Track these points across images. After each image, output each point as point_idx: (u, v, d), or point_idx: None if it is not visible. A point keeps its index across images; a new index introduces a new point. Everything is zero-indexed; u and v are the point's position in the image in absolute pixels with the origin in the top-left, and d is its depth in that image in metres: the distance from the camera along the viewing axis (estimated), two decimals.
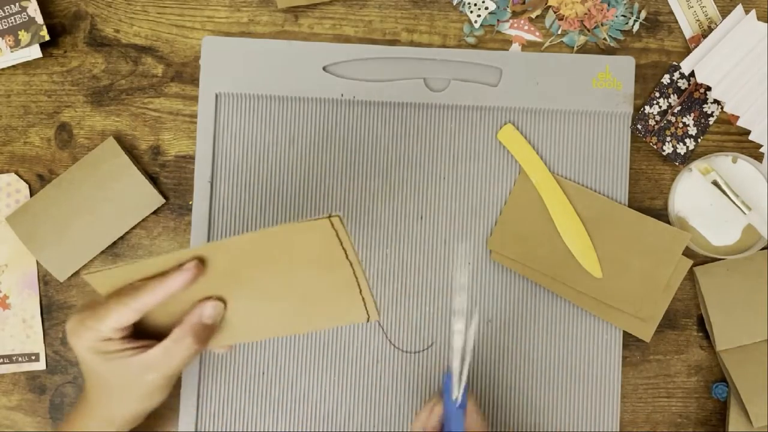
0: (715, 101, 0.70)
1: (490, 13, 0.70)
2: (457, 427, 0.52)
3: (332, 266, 0.48)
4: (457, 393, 0.51)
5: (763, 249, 0.69)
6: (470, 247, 0.68)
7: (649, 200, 0.70)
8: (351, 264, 0.48)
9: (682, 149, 0.70)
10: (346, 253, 0.48)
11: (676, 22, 0.71)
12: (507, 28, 0.71)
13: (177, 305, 0.49)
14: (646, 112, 0.70)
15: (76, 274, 0.69)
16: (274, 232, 0.47)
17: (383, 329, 0.66)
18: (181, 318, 0.49)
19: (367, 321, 0.52)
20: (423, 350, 0.66)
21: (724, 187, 0.68)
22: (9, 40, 0.67)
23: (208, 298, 0.50)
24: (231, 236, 0.54)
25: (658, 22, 0.71)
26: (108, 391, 0.50)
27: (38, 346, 0.69)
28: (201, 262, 0.48)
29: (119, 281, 0.48)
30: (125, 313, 0.47)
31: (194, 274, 0.47)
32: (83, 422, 0.52)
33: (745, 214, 0.68)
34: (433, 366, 0.67)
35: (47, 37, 0.67)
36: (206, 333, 0.49)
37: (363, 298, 0.50)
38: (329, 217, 0.46)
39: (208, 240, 0.67)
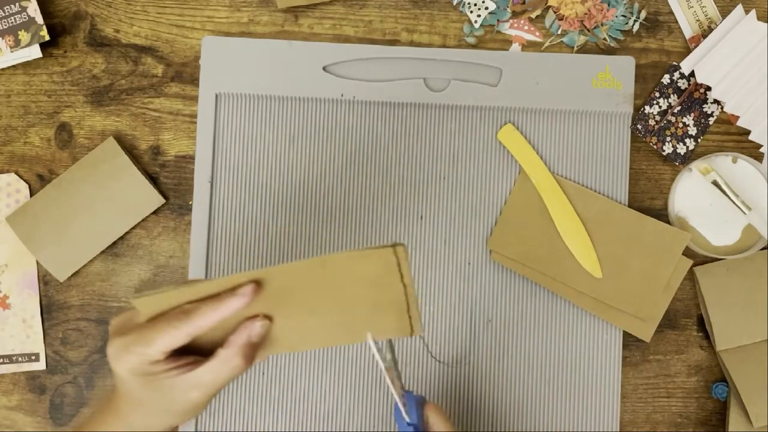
0: (715, 101, 0.70)
1: (490, 13, 0.70)
2: None
3: (386, 287, 0.50)
4: (406, 416, 0.51)
5: (763, 249, 0.69)
6: (470, 247, 0.68)
7: (649, 200, 0.70)
8: (405, 286, 0.50)
9: (682, 149, 0.70)
10: (402, 278, 0.49)
11: (676, 22, 0.71)
12: (507, 28, 0.71)
13: (222, 322, 0.48)
14: (646, 112, 0.70)
15: (76, 274, 0.69)
16: (336, 258, 0.47)
17: (425, 342, 0.66)
18: (226, 334, 0.48)
19: (411, 336, 0.52)
20: (463, 363, 0.67)
21: (724, 187, 0.68)
22: (9, 40, 0.67)
23: (255, 315, 0.48)
24: (290, 261, 0.54)
25: (658, 22, 0.71)
26: (146, 408, 0.49)
27: (38, 346, 0.69)
28: (257, 284, 0.47)
29: (166, 305, 0.47)
30: (177, 337, 0.46)
31: (250, 298, 0.46)
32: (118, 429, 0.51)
33: (745, 214, 0.68)
34: (433, 366, 0.67)
35: (47, 37, 0.67)
36: (253, 351, 0.48)
37: (410, 316, 0.51)
38: (394, 246, 0.47)
39: (208, 240, 0.67)
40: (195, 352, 0.48)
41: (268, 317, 0.49)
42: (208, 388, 0.47)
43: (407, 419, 0.52)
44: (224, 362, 0.47)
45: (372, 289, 0.50)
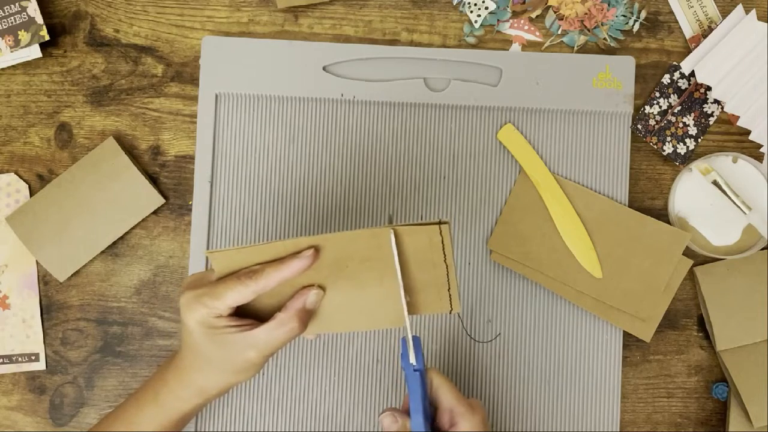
0: (715, 101, 0.70)
1: (490, 13, 0.70)
2: (414, 388, 0.53)
3: (429, 265, 0.52)
4: (411, 358, 0.53)
5: (763, 249, 0.69)
6: (470, 247, 0.68)
7: (649, 200, 0.70)
8: (447, 266, 0.53)
9: (682, 149, 0.70)
10: (445, 257, 0.52)
11: (676, 22, 0.71)
12: (507, 28, 0.71)
13: (278, 290, 0.52)
14: (646, 112, 0.70)
15: (76, 274, 0.69)
16: (385, 231, 0.50)
17: (461, 318, 0.67)
18: (281, 303, 0.53)
19: (450, 312, 0.55)
20: (493, 339, 0.67)
21: (724, 187, 0.68)
22: (9, 40, 0.67)
23: (310, 285, 0.53)
24: (343, 230, 0.57)
25: (658, 22, 0.71)
26: (208, 362, 0.53)
27: (38, 346, 0.69)
28: (316, 250, 0.51)
29: (237, 263, 0.52)
30: (244, 293, 0.50)
31: (311, 261, 0.51)
32: (175, 388, 0.55)
33: (745, 214, 0.68)
34: (432, 361, 0.67)
35: (47, 37, 0.67)
36: (307, 317, 0.53)
37: (450, 295, 0.54)
38: (439, 223, 0.50)
39: (208, 240, 0.67)
40: (253, 318, 0.53)
41: (322, 288, 0.53)
42: (263, 348, 0.52)
43: (415, 364, 0.53)
44: (281, 324, 0.52)
45: (417, 268, 0.53)
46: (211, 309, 0.51)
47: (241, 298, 0.51)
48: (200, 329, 0.52)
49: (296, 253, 0.51)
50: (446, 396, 0.54)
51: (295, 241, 0.51)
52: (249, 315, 0.53)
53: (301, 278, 0.52)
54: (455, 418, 0.53)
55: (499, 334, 0.67)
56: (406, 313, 0.52)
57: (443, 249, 0.52)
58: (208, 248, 0.67)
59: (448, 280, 0.54)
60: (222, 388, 0.55)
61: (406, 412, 0.54)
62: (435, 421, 0.54)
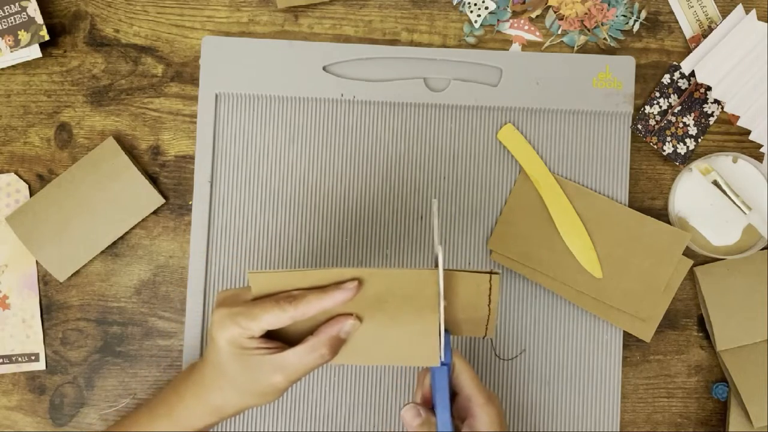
0: (716, 101, 0.70)
1: (490, 13, 0.70)
2: (441, 383, 0.52)
3: (471, 309, 0.52)
4: (442, 355, 0.52)
5: (763, 249, 0.69)
6: (470, 247, 0.68)
7: (649, 200, 0.70)
8: (489, 311, 0.52)
9: (682, 149, 0.70)
10: (490, 302, 0.52)
11: (677, 21, 0.71)
12: (507, 28, 0.71)
13: (317, 315, 0.51)
14: (646, 112, 0.70)
15: (76, 274, 0.69)
16: (433, 274, 0.49)
17: (493, 343, 0.66)
18: (312, 327, 0.51)
19: (484, 337, 0.55)
20: (517, 356, 0.67)
21: (724, 187, 0.68)
22: (9, 40, 0.67)
23: (347, 314, 0.51)
24: (395, 267, 0.56)
25: (659, 21, 0.71)
26: (230, 383, 0.52)
27: (38, 346, 0.69)
28: (360, 282, 0.50)
29: (276, 285, 0.50)
30: (281, 318, 0.49)
31: (354, 294, 0.49)
32: (191, 405, 0.55)
33: (745, 214, 0.68)
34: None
35: (47, 37, 0.67)
36: (339, 346, 0.51)
37: (487, 327, 0.54)
38: (491, 273, 0.50)
39: (208, 240, 0.67)
40: (282, 341, 0.52)
41: (359, 318, 0.51)
42: (291, 373, 0.50)
43: (442, 358, 0.52)
44: (312, 349, 0.50)
45: (458, 307, 0.52)
46: (245, 330, 0.50)
47: (277, 322, 0.49)
48: (229, 348, 0.50)
49: (339, 284, 0.49)
50: (467, 383, 0.53)
51: (338, 271, 0.50)
52: (277, 338, 0.52)
53: (339, 307, 0.51)
54: (474, 408, 0.52)
55: (524, 350, 0.67)
56: (442, 303, 0.50)
57: (489, 296, 0.51)
58: (207, 248, 0.67)
59: (488, 319, 0.53)
60: (239, 410, 0.54)
61: (427, 406, 0.53)
62: (452, 407, 0.53)
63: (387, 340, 0.52)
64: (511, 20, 0.71)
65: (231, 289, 0.54)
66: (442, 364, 0.52)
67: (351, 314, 0.51)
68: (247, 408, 0.54)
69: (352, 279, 0.49)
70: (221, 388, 0.53)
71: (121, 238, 0.69)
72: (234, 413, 0.54)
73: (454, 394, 0.54)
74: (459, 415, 0.53)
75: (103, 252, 0.69)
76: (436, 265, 0.50)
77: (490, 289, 0.51)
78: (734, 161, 0.69)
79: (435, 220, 0.52)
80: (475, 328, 0.54)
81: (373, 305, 0.51)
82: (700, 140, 0.70)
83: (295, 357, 0.50)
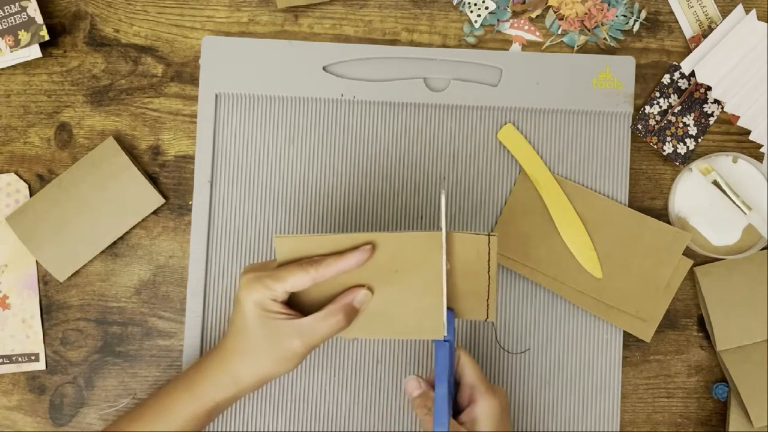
0: (716, 101, 0.70)
1: (490, 12, 0.70)
2: (442, 358, 0.54)
3: (473, 275, 0.55)
4: (444, 330, 0.55)
5: (763, 249, 0.69)
6: None
7: (649, 200, 0.70)
8: (489, 277, 0.55)
9: (682, 149, 0.70)
10: (489, 268, 0.55)
11: (677, 21, 0.71)
12: (507, 28, 0.71)
13: (327, 287, 0.55)
14: (646, 112, 0.70)
15: (76, 274, 0.69)
16: (437, 234, 0.53)
17: (495, 330, 0.67)
18: (327, 299, 0.55)
19: (485, 320, 0.58)
20: (524, 351, 0.67)
21: (724, 187, 0.68)
22: (9, 40, 0.67)
23: (360, 285, 0.55)
24: (398, 231, 0.59)
25: (659, 22, 0.71)
26: (253, 346, 0.55)
27: (38, 346, 0.69)
28: (373, 246, 0.54)
29: (301, 250, 0.54)
30: (304, 279, 0.53)
31: (369, 255, 0.53)
32: (211, 375, 0.57)
33: (745, 214, 0.68)
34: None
35: (47, 37, 0.67)
36: (353, 315, 0.55)
37: (488, 304, 0.57)
38: (489, 234, 0.54)
39: (208, 240, 0.67)
40: (302, 313, 0.55)
41: (371, 290, 0.55)
42: (308, 338, 0.54)
43: (445, 332, 0.55)
44: (328, 315, 0.54)
45: (460, 273, 0.55)
46: (271, 290, 0.53)
47: (300, 283, 0.53)
48: (255, 310, 0.54)
49: (354, 247, 0.54)
50: (470, 373, 0.55)
51: (353, 236, 0.54)
52: (297, 309, 0.55)
53: (352, 278, 0.55)
54: (475, 395, 0.55)
55: (529, 348, 0.67)
56: (444, 283, 0.53)
57: (488, 260, 0.54)
58: (207, 248, 0.67)
59: (488, 291, 0.56)
60: (258, 379, 0.56)
61: (430, 383, 0.56)
62: (456, 396, 0.56)
63: (397, 314, 0.55)
64: (511, 20, 0.71)
65: (258, 262, 0.57)
66: (445, 339, 0.54)
67: (363, 286, 0.55)
68: (265, 378, 0.56)
69: (366, 242, 0.54)
70: (243, 354, 0.55)
71: (121, 238, 0.69)
72: (253, 384, 0.56)
73: (457, 384, 0.56)
74: (462, 403, 0.56)
75: (103, 252, 0.69)
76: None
77: (489, 252, 0.54)
78: (734, 161, 0.69)
79: (443, 208, 0.54)
80: (477, 305, 0.56)
81: (384, 276, 0.55)
82: (700, 140, 0.70)
83: (313, 322, 0.54)
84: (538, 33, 0.71)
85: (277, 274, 0.54)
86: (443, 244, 0.53)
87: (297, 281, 0.53)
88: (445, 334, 0.55)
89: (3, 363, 0.68)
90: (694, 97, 0.70)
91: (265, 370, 0.55)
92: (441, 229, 0.53)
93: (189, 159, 0.70)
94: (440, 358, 0.54)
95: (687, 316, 0.70)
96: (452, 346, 0.55)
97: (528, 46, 0.71)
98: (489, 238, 0.54)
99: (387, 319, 0.56)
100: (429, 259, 0.54)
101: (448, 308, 0.55)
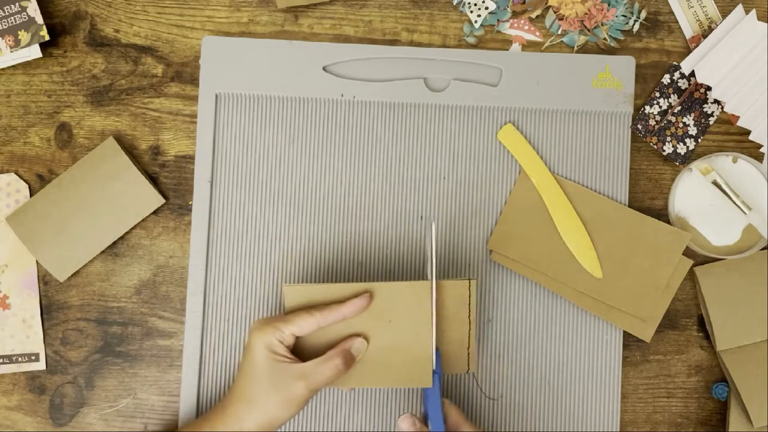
0: (716, 101, 0.70)
1: (490, 13, 0.70)
2: (434, 390, 0.58)
3: (457, 322, 0.59)
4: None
5: (763, 249, 0.69)
6: (470, 247, 0.68)
7: (649, 200, 0.70)
8: (470, 323, 0.60)
9: (682, 149, 0.70)
10: (469, 312, 0.59)
11: (676, 22, 0.71)
12: (507, 28, 0.71)
13: (327, 337, 0.59)
14: (646, 112, 0.70)
15: (76, 274, 0.69)
16: (426, 284, 0.58)
17: (476, 378, 0.68)
18: (327, 348, 0.59)
19: (466, 372, 0.61)
20: (499, 398, 0.68)
21: (724, 187, 0.68)
22: (9, 40, 0.67)
23: (357, 335, 0.59)
24: (389, 281, 0.62)
25: (658, 22, 0.71)
26: (259, 389, 0.58)
27: (38, 346, 0.69)
28: (370, 294, 0.59)
29: (307, 298, 0.60)
30: (309, 323, 0.58)
31: (368, 303, 0.59)
32: (216, 423, 0.59)
33: (745, 214, 0.68)
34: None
35: (47, 37, 0.67)
36: (351, 361, 0.59)
37: (468, 354, 0.61)
38: (469, 279, 0.59)
39: (208, 240, 0.67)
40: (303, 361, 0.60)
41: (366, 339, 0.59)
42: (311, 381, 0.57)
43: (434, 367, 0.59)
44: (328, 359, 0.58)
45: (447, 321, 0.59)
46: (280, 332, 0.57)
47: (307, 326, 0.58)
48: (264, 351, 0.57)
49: (355, 296, 0.59)
50: (454, 414, 0.58)
51: (353, 286, 0.59)
52: (301, 358, 0.59)
53: (349, 328, 0.59)
54: (460, 426, 0.58)
55: (502, 396, 0.68)
56: (433, 314, 0.58)
57: (469, 305, 0.59)
58: (207, 248, 0.67)
59: (469, 339, 0.60)
60: (262, 426, 0.58)
61: (424, 421, 0.59)
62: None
63: (389, 363, 0.59)
64: (511, 20, 0.71)
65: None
66: (434, 371, 0.58)
67: (360, 335, 0.59)
68: (269, 425, 0.58)
69: (365, 291, 0.59)
70: (249, 400, 0.58)
71: (121, 238, 0.69)
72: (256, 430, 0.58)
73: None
74: None
75: (103, 252, 0.69)
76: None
77: (470, 296, 0.59)
78: (734, 161, 0.69)
79: (432, 244, 0.58)
80: (458, 356, 0.60)
81: (379, 326, 0.59)
82: (700, 140, 0.70)
83: (315, 365, 0.57)
84: (538, 33, 0.71)
85: (285, 318, 0.58)
86: (432, 293, 0.58)
87: (304, 324, 0.58)
88: (434, 368, 0.58)
89: (3, 363, 0.68)
90: (694, 97, 0.70)
91: (270, 415, 0.57)
92: (430, 278, 0.58)
93: (189, 159, 0.70)
94: (432, 390, 0.58)
95: (687, 316, 0.70)
96: (440, 378, 0.59)
97: (528, 46, 0.71)
98: (469, 283, 0.59)
99: (381, 369, 0.59)
100: (419, 308, 0.58)
101: (438, 351, 0.59)
